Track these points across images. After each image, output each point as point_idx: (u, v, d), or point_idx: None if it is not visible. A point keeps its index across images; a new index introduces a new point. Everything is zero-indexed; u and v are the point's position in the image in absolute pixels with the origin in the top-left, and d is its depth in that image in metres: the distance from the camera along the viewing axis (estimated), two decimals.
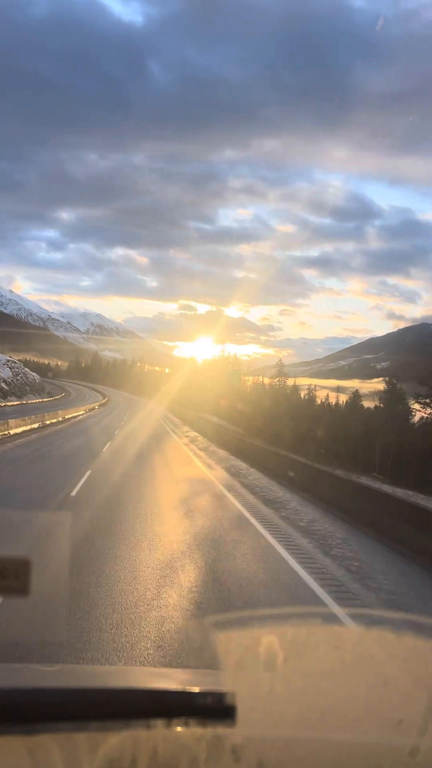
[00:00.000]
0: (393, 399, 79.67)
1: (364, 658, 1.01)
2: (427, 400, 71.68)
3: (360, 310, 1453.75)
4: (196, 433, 37.62)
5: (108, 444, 24.79)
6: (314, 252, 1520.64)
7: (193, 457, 23.50)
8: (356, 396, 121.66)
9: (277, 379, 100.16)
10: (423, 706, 0.92)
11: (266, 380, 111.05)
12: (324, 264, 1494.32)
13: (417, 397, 75.08)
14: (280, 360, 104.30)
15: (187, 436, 35.04)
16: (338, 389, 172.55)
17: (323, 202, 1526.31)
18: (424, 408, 73.58)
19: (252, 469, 19.97)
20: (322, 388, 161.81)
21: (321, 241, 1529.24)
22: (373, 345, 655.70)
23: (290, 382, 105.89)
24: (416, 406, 76.14)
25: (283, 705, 0.96)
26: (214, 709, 0.99)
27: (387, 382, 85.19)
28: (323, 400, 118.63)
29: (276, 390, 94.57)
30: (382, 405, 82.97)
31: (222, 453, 25.75)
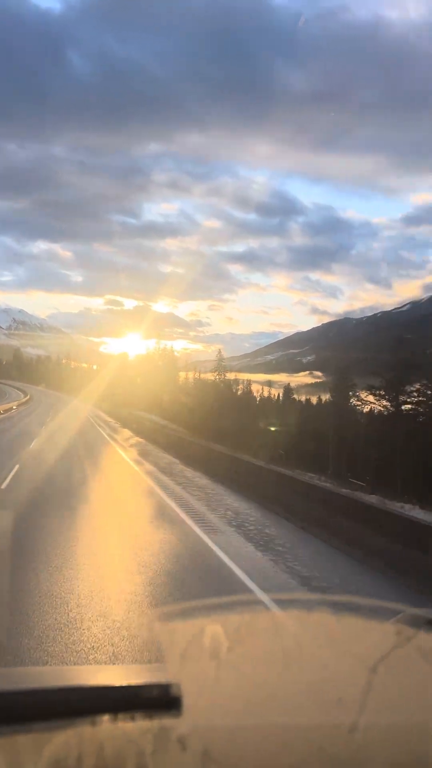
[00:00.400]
0: (342, 392, 74.71)
1: (305, 642, 1.00)
2: (382, 392, 66.85)
3: (285, 305, 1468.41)
4: (143, 440, 29.15)
5: (15, 469, 15.83)
6: (239, 247, 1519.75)
7: (157, 489, 14.79)
8: (288, 390, 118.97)
9: (217, 373, 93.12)
10: (361, 685, 0.93)
11: (202, 375, 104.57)
12: (249, 259, 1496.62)
13: (371, 389, 69.99)
14: (220, 352, 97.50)
15: (132, 446, 26.44)
16: (269, 383, 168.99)
17: (248, 198, 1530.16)
18: (379, 400, 68.72)
19: (288, 525, 11.32)
20: (253, 382, 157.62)
21: (246, 237, 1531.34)
22: (298, 339, 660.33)
23: (231, 376, 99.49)
24: (370, 398, 71.36)
25: (228, 693, 0.94)
26: (159, 701, 0.97)
27: (340, 376, 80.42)
28: (260, 395, 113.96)
29: (217, 385, 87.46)
30: (331, 398, 78.24)
31: (194, 476, 17.37)
